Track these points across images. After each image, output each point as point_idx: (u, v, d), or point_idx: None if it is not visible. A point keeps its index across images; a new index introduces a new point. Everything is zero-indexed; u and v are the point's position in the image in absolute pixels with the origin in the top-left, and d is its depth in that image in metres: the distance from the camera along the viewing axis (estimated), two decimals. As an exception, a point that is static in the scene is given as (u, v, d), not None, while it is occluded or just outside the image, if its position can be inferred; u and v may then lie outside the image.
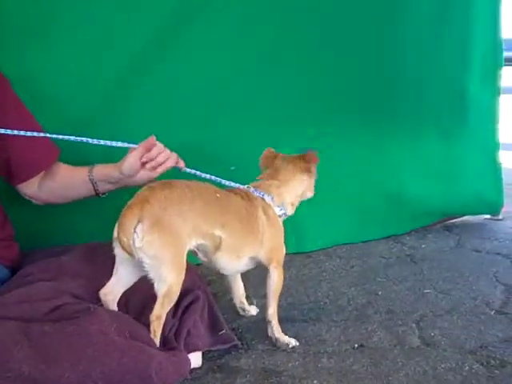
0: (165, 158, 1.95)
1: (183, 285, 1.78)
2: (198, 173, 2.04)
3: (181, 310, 1.88)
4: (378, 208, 3.01)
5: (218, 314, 2.07)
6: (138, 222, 1.68)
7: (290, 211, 2.11)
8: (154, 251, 1.68)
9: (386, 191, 3.02)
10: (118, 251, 1.76)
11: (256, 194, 2.01)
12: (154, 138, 1.92)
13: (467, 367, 1.87)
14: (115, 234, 1.74)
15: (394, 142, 3.03)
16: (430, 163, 3.11)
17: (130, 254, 1.69)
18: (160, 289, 1.70)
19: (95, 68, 2.38)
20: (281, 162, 2.12)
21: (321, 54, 2.77)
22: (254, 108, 2.71)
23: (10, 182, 2.08)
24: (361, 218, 3.01)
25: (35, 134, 1.84)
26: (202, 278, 2.17)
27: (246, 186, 2.06)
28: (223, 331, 2.01)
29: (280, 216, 2.06)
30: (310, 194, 2.18)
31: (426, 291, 2.44)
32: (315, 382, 1.83)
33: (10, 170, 2.02)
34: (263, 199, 2.01)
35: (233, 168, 2.65)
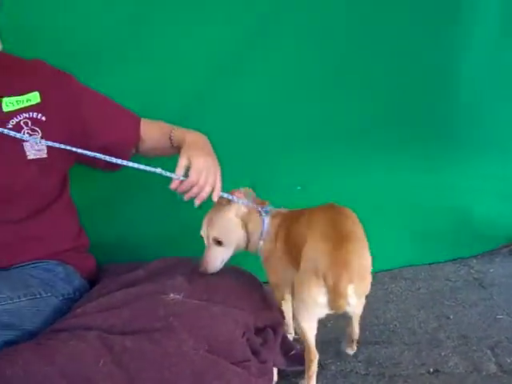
0: (198, 192, 1.88)
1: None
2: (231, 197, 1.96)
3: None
4: (444, 230, 2.94)
5: (286, 338, 2.07)
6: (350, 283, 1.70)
7: None
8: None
9: (452, 213, 2.96)
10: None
11: None
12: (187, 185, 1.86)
13: (548, 396, 1.82)
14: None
15: (458, 163, 2.95)
16: (497, 184, 3.03)
17: (336, 310, 1.77)
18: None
19: (174, 82, 2.41)
20: None
21: (385, 69, 2.72)
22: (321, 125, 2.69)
23: (109, 169, 2.08)
24: (426, 240, 2.96)
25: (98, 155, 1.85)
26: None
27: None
28: (293, 352, 2.01)
29: None
30: None
31: (498, 317, 2.38)
32: (393, 405, 1.81)
33: (111, 150, 1.95)
34: None
35: (299, 188, 2.66)
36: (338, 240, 1.74)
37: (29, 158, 1.89)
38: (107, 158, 1.85)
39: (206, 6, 2.42)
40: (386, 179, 2.79)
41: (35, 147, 1.89)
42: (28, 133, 1.87)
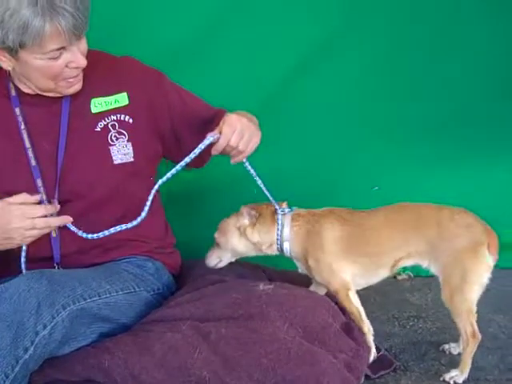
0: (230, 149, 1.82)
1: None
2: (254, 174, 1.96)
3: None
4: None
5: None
6: None
7: None
8: None
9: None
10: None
11: None
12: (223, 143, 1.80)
13: None
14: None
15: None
16: None
17: None
18: None
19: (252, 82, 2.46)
20: None
21: (463, 67, 2.68)
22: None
23: (194, 167, 2.08)
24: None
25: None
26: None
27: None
28: (381, 352, 2.01)
29: None
30: None
31: None
32: (482, 409, 1.80)
33: (199, 159, 1.93)
34: None
35: (376, 188, 2.66)
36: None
37: (115, 162, 1.91)
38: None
39: (287, 6, 2.45)
40: (460, 179, 2.75)
41: (121, 151, 1.91)
42: (115, 136, 1.90)
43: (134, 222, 1.82)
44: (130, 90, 1.92)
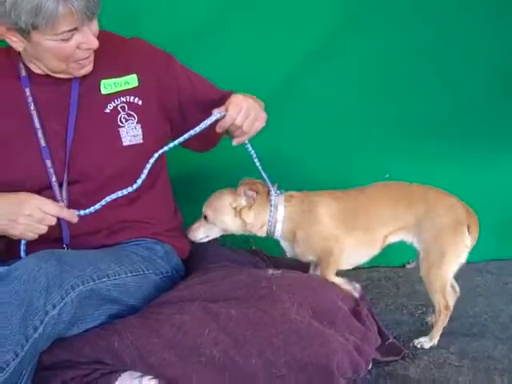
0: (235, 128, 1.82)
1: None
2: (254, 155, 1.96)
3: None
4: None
5: (379, 324, 2.07)
6: None
7: None
8: None
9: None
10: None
11: None
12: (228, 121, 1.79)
13: None
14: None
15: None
16: None
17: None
18: None
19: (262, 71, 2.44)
20: None
21: (464, 65, 2.66)
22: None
23: (200, 150, 2.15)
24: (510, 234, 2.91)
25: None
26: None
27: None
28: (390, 340, 2.01)
29: None
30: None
31: None
32: (491, 398, 1.79)
33: (203, 138, 1.95)
34: None
35: (387, 176, 2.64)
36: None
37: (124, 144, 1.89)
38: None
39: (289, 4, 2.43)
40: (468, 175, 2.75)
41: (131, 133, 1.90)
42: (124, 118, 1.89)
43: (130, 189, 1.82)
44: (139, 71, 1.91)
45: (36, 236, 1.74)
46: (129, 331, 1.68)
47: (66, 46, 1.70)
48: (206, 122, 1.78)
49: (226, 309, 1.70)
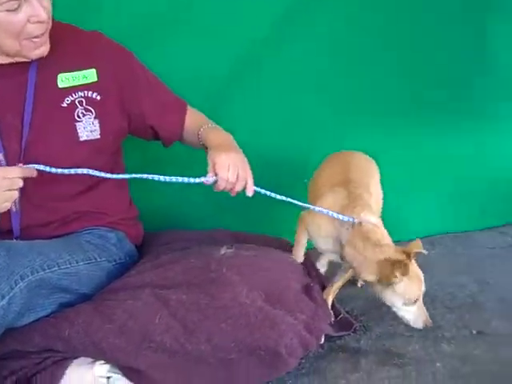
0: (230, 187, 1.83)
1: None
2: (268, 193, 1.91)
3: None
4: (481, 197, 2.96)
5: (333, 299, 2.12)
6: None
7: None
8: None
9: (490, 181, 2.97)
10: None
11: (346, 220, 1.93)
12: (222, 183, 1.80)
13: None
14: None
15: (498, 130, 2.97)
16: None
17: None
18: None
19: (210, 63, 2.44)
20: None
21: (422, 46, 2.72)
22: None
23: (165, 144, 2.13)
24: (462, 208, 2.98)
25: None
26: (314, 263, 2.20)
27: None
28: (342, 315, 2.06)
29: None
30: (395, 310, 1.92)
31: (539, 282, 2.41)
32: (438, 364, 1.86)
33: (159, 135, 2.05)
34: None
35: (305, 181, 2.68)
36: None
37: (81, 139, 1.88)
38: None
39: None
40: (424, 149, 2.81)
41: (88, 128, 1.89)
42: (82, 112, 1.88)
43: (108, 175, 1.82)
44: (99, 66, 1.89)
45: (9, 204, 1.72)
46: (80, 318, 1.69)
47: (14, 20, 1.65)
48: (190, 179, 1.80)
49: (177, 294, 1.72)
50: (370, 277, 1.84)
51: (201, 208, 2.57)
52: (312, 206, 1.95)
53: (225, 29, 2.43)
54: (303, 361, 1.88)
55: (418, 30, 2.66)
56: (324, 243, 2.00)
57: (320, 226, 1.98)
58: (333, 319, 1.99)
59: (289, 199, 1.91)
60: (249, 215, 2.57)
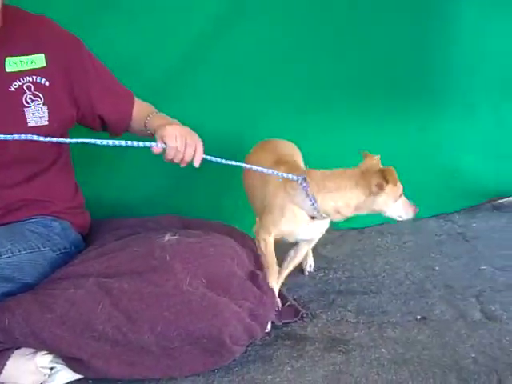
0: (179, 160, 1.83)
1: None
2: (214, 159, 1.90)
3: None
4: (429, 185, 3.00)
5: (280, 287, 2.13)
6: None
7: (333, 216, 2.02)
8: None
9: (438, 169, 3.02)
10: None
11: (294, 177, 1.98)
12: (171, 152, 1.79)
13: (532, 340, 1.90)
14: None
15: (445, 118, 3.01)
16: (482, 141, 3.08)
17: None
18: None
19: (145, 55, 2.43)
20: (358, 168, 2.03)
21: (369, 31, 2.74)
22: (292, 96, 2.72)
23: (113, 134, 2.10)
24: (411, 196, 3.00)
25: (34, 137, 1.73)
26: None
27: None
28: (289, 303, 2.07)
29: (310, 213, 2.00)
30: (388, 212, 2.03)
31: (481, 268, 2.45)
32: (383, 350, 1.88)
33: (107, 124, 2.04)
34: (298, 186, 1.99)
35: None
36: None
37: (29, 125, 1.86)
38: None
39: None
40: (372, 137, 2.82)
41: (36, 114, 1.86)
42: (30, 98, 1.85)
43: (42, 138, 1.73)
44: (48, 52, 1.86)
45: None
46: (21, 308, 1.66)
47: None
48: (140, 143, 1.76)
49: (120, 283, 1.70)
50: (361, 197, 1.95)
51: (150, 195, 2.55)
52: (259, 168, 1.96)
53: (167, 21, 2.42)
54: (249, 348, 1.88)
55: (366, 17, 2.68)
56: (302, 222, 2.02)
57: (293, 212, 1.99)
58: (280, 306, 1.99)
59: (235, 162, 1.91)
60: (199, 202, 2.56)
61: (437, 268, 2.47)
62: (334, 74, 2.72)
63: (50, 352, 1.68)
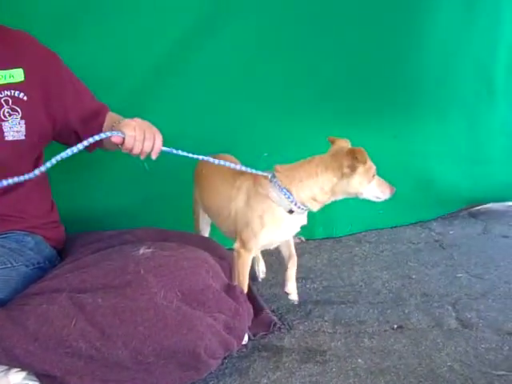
0: (138, 150, 1.80)
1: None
2: (175, 151, 1.89)
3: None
4: (406, 194, 3.00)
5: (258, 297, 2.12)
6: None
7: (311, 205, 2.01)
8: None
9: (414, 177, 3.05)
10: None
11: (264, 174, 2.00)
12: (130, 140, 1.77)
13: (507, 347, 1.92)
14: None
15: (421, 127, 3.04)
16: (458, 149, 3.13)
17: None
18: None
19: (123, 64, 2.43)
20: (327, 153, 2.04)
21: (346, 39, 2.77)
22: (273, 100, 2.73)
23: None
24: (388, 204, 3.00)
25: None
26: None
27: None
28: (263, 313, 2.07)
29: (288, 207, 1.99)
30: (364, 194, 2.03)
31: (458, 275, 2.47)
32: (359, 360, 1.88)
33: (81, 139, 1.96)
34: (269, 181, 2.00)
35: (266, 154, 2.69)
36: None
37: (6, 139, 1.84)
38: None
39: None
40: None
41: (14, 128, 1.85)
42: (8, 112, 1.84)
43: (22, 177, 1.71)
44: (26, 66, 1.85)
45: None
46: (-7, 324, 1.63)
47: None
48: (99, 135, 1.75)
49: (93, 298, 1.68)
50: (334, 179, 1.95)
51: (126, 207, 2.54)
52: (222, 162, 1.97)
53: (148, 26, 2.42)
54: (226, 361, 1.87)
55: (334, 27, 2.72)
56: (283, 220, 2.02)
57: (272, 212, 1.99)
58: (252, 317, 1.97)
59: (195, 155, 1.91)
60: (175, 213, 2.55)
61: (414, 276, 2.48)
62: (307, 83, 2.75)
63: (23, 369, 1.65)
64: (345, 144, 2.03)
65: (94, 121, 2.03)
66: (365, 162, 1.93)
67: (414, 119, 2.98)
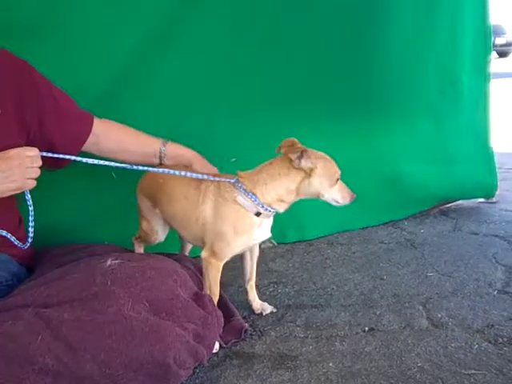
0: None
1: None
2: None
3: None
4: (376, 194, 3.04)
5: (229, 304, 2.12)
6: None
7: (277, 206, 2.01)
8: None
9: (383, 177, 3.07)
10: None
11: (228, 180, 2.01)
12: None
13: (476, 345, 1.93)
14: None
15: (388, 128, 3.06)
16: (425, 149, 3.16)
17: None
18: None
19: (96, 66, 2.40)
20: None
21: (313, 44, 2.78)
22: (253, 102, 2.73)
23: (54, 168, 2.09)
24: (359, 205, 3.00)
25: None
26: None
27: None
28: (233, 321, 2.06)
29: (254, 210, 1.99)
30: (325, 196, 2.04)
31: (429, 274, 2.49)
32: (331, 364, 1.88)
33: (57, 149, 2.00)
34: (234, 188, 2.00)
35: (233, 160, 2.68)
36: None
37: None
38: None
39: None
40: (317, 146, 2.84)
41: None
42: None
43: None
44: None
45: (34, 182, 1.84)
46: (-43, 343, 1.61)
47: None
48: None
49: (59, 312, 1.66)
50: (298, 179, 1.98)
51: (96, 221, 2.52)
52: (182, 173, 2.02)
53: (114, 26, 2.40)
54: (197, 370, 1.87)
55: (300, 31, 2.73)
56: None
57: (244, 221, 1.99)
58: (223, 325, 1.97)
59: (129, 166, 1.98)
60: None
61: (385, 277, 2.49)
62: (274, 87, 2.75)
63: (-11, 387, 1.63)
64: (291, 142, 2.01)
65: (72, 128, 2.05)
66: (305, 149, 1.96)
67: (382, 121, 3.00)
